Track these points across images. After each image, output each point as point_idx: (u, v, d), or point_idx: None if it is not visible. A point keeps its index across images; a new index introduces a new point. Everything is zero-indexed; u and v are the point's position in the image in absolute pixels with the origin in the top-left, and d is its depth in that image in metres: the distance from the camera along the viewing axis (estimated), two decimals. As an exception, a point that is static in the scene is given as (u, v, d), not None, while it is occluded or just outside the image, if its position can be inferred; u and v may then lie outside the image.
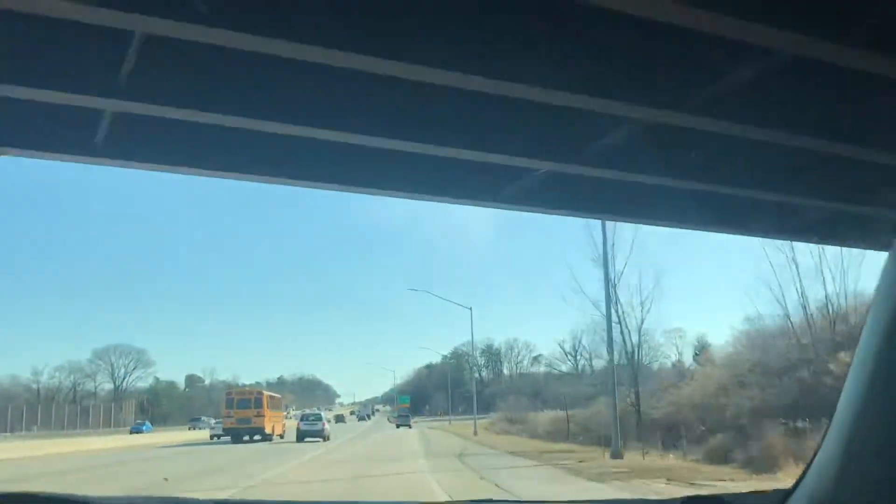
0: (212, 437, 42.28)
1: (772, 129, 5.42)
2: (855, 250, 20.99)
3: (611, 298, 25.71)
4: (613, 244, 28.04)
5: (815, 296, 26.73)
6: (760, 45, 4.19)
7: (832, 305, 26.31)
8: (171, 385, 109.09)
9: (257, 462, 21.94)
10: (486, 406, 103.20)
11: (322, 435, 37.97)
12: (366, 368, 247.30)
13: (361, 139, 5.66)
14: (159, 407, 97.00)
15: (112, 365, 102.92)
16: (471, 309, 38.10)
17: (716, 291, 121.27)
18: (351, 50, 4.06)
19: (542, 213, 8.31)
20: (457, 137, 5.64)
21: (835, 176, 6.75)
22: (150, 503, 1.21)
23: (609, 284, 25.42)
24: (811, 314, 26.50)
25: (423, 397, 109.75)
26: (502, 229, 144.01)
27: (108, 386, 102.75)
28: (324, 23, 3.88)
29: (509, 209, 8.01)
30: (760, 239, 20.38)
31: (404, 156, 6.14)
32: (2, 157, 5.34)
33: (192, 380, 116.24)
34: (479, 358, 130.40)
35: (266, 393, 41.79)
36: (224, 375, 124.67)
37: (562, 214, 8.63)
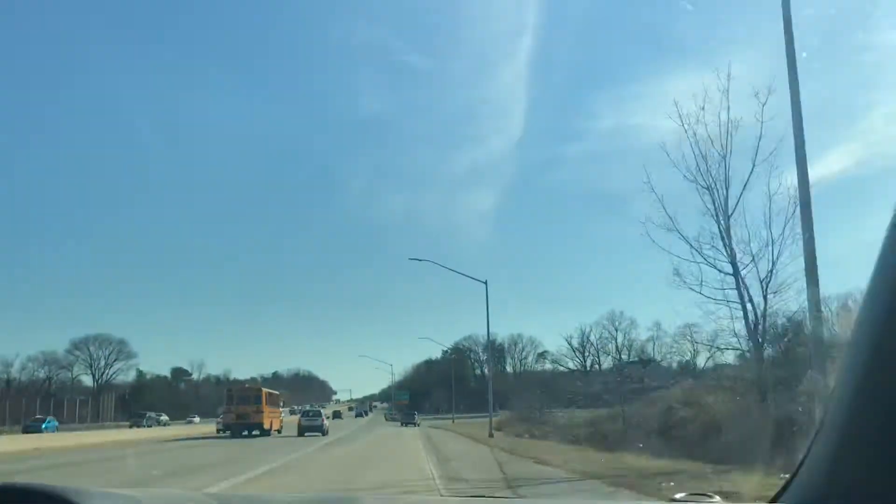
0: (218, 430, 43.06)
1: None
2: None
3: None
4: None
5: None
6: None
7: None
8: (156, 379, 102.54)
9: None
10: (497, 405, 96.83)
11: (321, 430, 40.66)
12: (363, 365, 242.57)
13: None
14: (142, 401, 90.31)
15: (91, 356, 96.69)
16: (486, 282, 31.73)
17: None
18: None
19: None
20: None
21: None
22: (143, 495, 1.15)
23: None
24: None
25: (422, 394, 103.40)
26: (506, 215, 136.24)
27: (87, 379, 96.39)
28: None
29: None
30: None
31: None
32: None
33: (178, 373, 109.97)
34: (481, 354, 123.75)
35: (265, 390, 42.54)
36: (214, 370, 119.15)
37: None
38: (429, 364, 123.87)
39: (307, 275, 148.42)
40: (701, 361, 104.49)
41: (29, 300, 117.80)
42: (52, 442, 35.22)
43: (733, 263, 17.32)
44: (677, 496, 1.58)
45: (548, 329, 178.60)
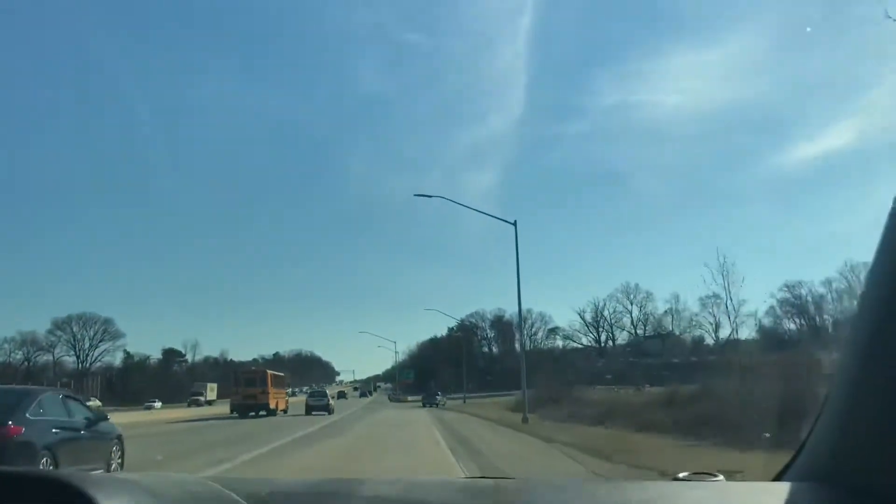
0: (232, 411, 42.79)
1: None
2: None
3: None
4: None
5: None
6: None
7: None
8: (146, 360, 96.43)
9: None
10: (500, 383, 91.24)
11: (327, 409, 43.19)
12: (366, 347, 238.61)
13: None
14: (130, 384, 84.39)
15: (74, 336, 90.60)
16: (515, 223, 25.42)
17: None
18: None
19: None
20: None
21: None
22: (144, 478, 1.21)
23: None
24: None
25: (427, 373, 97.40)
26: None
27: (70, 361, 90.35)
28: None
29: None
30: None
31: None
32: None
33: (170, 355, 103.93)
34: (488, 331, 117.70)
35: (270, 372, 44.17)
36: (210, 351, 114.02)
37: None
38: (434, 342, 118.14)
39: (308, 255, 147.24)
40: (723, 334, 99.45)
41: (6, 279, 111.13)
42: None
43: None
44: (680, 475, 1.55)
45: (558, 305, 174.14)
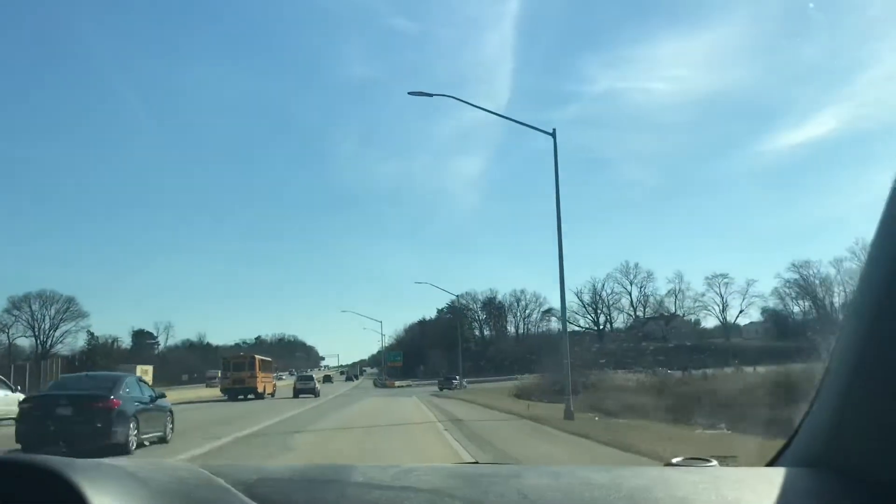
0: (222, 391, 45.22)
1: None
2: None
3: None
4: None
5: None
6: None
7: None
8: (113, 342, 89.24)
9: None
10: (494, 368, 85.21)
11: (314, 392, 46.73)
12: (351, 330, 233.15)
13: None
14: (95, 367, 77.19)
15: (33, 316, 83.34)
16: (553, 132, 18.40)
17: None
18: None
19: None
20: None
21: None
22: (130, 464, 1.25)
23: None
24: None
25: (416, 357, 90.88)
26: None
27: (27, 342, 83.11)
28: None
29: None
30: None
31: None
32: None
33: (140, 337, 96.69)
34: (479, 313, 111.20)
35: (259, 357, 46.83)
36: (186, 333, 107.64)
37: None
38: (423, 325, 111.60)
39: (292, 237, 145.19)
40: (731, 316, 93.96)
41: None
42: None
43: None
44: (674, 460, 1.58)
45: (552, 286, 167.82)
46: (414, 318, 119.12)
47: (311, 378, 50.51)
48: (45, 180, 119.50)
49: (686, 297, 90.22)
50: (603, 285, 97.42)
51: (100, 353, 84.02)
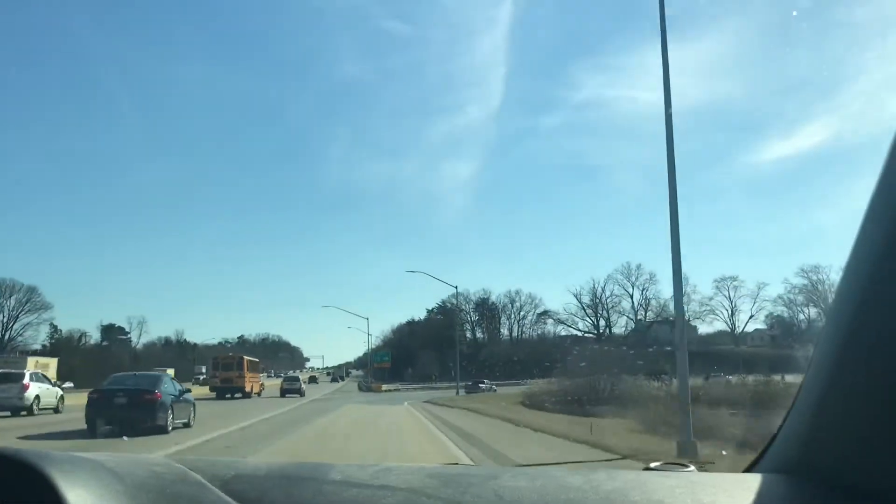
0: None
1: None
2: None
3: None
4: None
5: None
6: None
7: None
8: (82, 337, 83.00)
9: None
10: (487, 372, 79.72)
11: (300, 392, 50.35)
12: (337, 332, 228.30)
13: None
14: (59, 363, 70.95)
15: (-10, 306, 77.21)
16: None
17: None
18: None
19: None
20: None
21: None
22: (106, 458, 1.25)
23: None
24: None
25: (405, 360, 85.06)
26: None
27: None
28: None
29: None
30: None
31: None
32: None
33: (111, 332, 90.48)
34: (471, 314, 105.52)
35: (247, 358, 48.74)
36: (163, 330, 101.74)
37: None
38: (411, 326, 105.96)
39: (279, 237, 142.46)
40: (740, 321, 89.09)
41: None
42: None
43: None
44: (652, 465, 1.62)
45: (547, 287, 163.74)
46: (402, 319, 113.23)
47: (297, 379, 55.11)
48: (14, 166, 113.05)
49: (692, 300, 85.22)
50: (603, 287, 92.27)
51: (65, 347, 77.72)
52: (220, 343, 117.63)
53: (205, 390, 48.68)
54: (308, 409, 30.92)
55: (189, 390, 19.79)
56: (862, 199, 1.14)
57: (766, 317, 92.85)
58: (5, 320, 79.63)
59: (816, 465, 1.19)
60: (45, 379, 25.59)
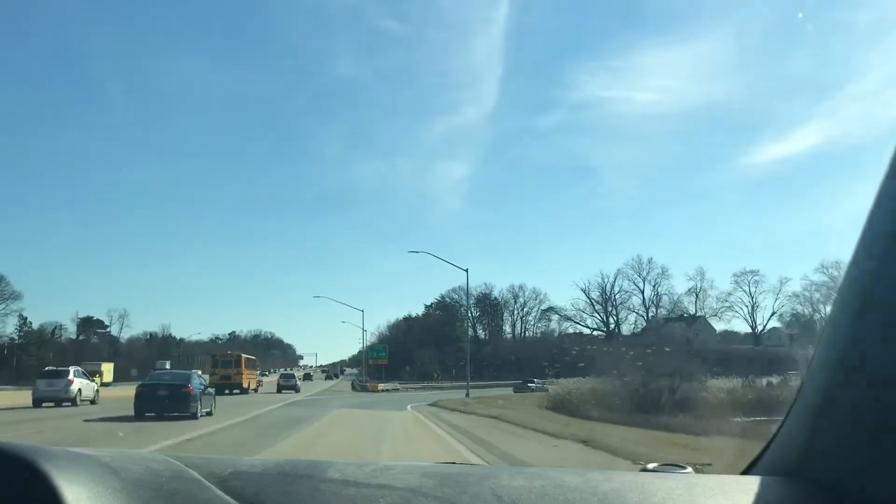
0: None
1: None
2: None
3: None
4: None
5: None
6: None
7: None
8: (56, 330, 77.05)
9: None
10: (490, 372, 74.34)
11: (295, 388, 53.84)
12: (331, 328, 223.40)
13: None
14: (29, 357, 65.24)
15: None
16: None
17: None
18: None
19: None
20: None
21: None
22: (103, 454, 1.24)
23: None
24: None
25: (402, 357, 79.62)
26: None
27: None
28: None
29: None
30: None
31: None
32: None
33: (89, 325, 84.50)
34: (472, 310, 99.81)
35: (244, 356, 51.52)
36: (147, 325, 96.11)
37: None
38: (408, 322, 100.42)
39: (272, 235, 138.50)
40: (761, 317, 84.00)
41: None
42: None
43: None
44: (649, 466, 1.60)
45: (552, 282, 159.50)
46: (398, 315, 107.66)
47: (293, 376, 59.94)
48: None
49: (708, 296, 79.86)
50: (613, 282, 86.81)
51: (36, 341, 71.85)
52: (211, 340, 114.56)
53: None
54: (278, 416, 23.09)
55: (210, 386, 25.20)
56: (863, 201, 1.11)
57: (780, 315, 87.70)
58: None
59: (814, 467, 1.18)
60: (84, 375, 29.57)
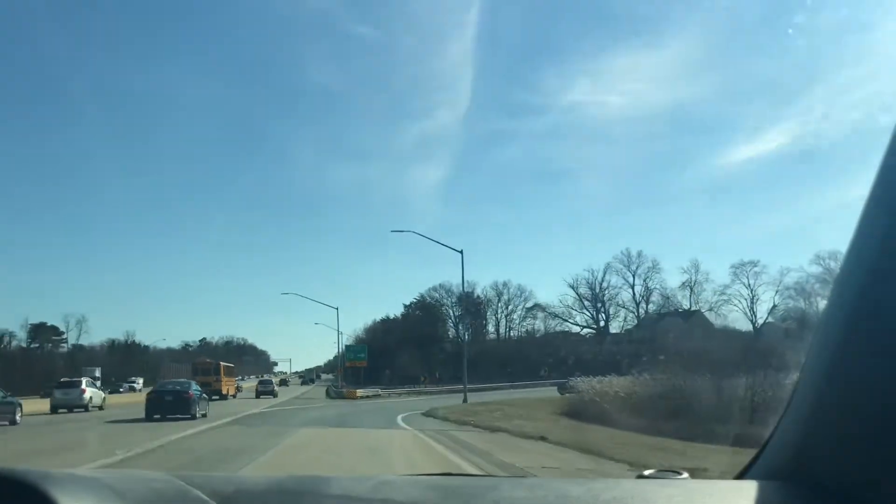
0: None
1: None
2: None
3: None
4: None
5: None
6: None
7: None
8: (6, 337, 71.04)
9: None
10: (474, 373, 69.49)
11: (273, 393, 56.55)
12: (306, 334, 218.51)
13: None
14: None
15: None
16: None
17: None
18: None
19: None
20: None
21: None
22: (106, 476, 1.27)
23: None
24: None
25: (381, 360, 74.44)
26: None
27: None
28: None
29: None
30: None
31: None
32: None
33: (41, 332, 78.06)
34: (453, 310, 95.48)
35: (223, 364, 55.05)
36: (110, 331, 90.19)
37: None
38: (386, 323, 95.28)
39: (244, 241, 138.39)
40: (761, 310, 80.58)
41: None
42: None
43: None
44: (645, 472, 1.58)
45: (538, 278, 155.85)
46: (376, 317, 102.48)
47: (270, 382, 64.25)
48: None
49: (704, 289, 76.14)
50: (602, 277, 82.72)
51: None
52: (181, 347, 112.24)
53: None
54: (223, 437, 18.06)
55: (205, 393, 29.96)
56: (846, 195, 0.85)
57: (772, 309, 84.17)
58: None
59: (809, 471, 1.19)
60: (94, 385, 33.47)
